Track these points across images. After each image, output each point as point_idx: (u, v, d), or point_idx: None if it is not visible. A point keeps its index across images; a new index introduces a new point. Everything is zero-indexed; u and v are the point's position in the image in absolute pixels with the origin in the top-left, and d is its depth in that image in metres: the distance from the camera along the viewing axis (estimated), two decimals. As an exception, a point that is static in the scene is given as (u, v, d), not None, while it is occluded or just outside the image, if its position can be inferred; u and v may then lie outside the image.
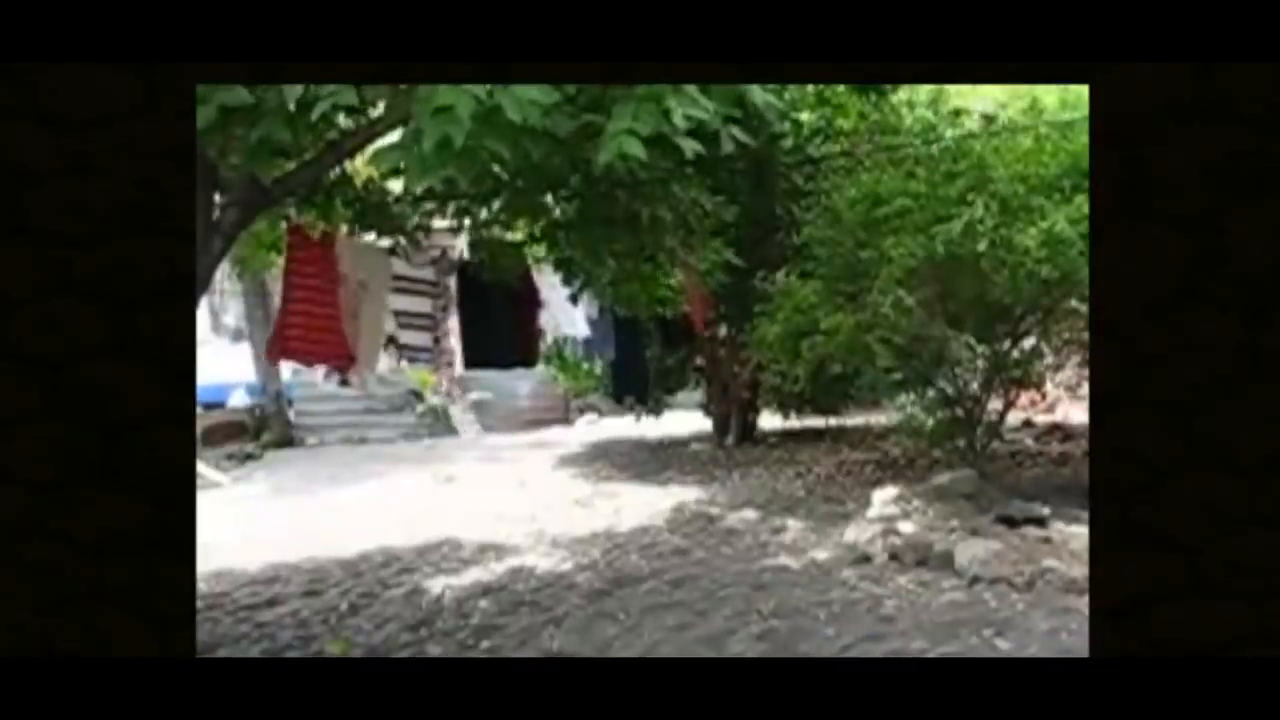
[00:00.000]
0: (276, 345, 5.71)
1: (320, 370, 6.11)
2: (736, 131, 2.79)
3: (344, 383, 6.33)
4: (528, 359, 7.42)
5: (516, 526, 6.49)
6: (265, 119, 2.54)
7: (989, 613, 3.89)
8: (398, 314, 6.09)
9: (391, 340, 6.29)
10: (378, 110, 3.30)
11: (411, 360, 6.46)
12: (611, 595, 4.53)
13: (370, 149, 3.74)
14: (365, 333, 5.93)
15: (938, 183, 5.92)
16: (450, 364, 6.53)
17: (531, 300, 6.96)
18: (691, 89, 2.56)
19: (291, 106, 2.53)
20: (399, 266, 6.03)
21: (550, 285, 6.70)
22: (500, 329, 6.66)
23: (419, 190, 5.07)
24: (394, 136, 2.90)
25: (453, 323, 6.45)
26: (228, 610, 4.93)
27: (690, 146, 2.61)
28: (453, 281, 6.41)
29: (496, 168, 4.53)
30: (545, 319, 7.23)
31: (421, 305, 6.24)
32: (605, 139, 2.54)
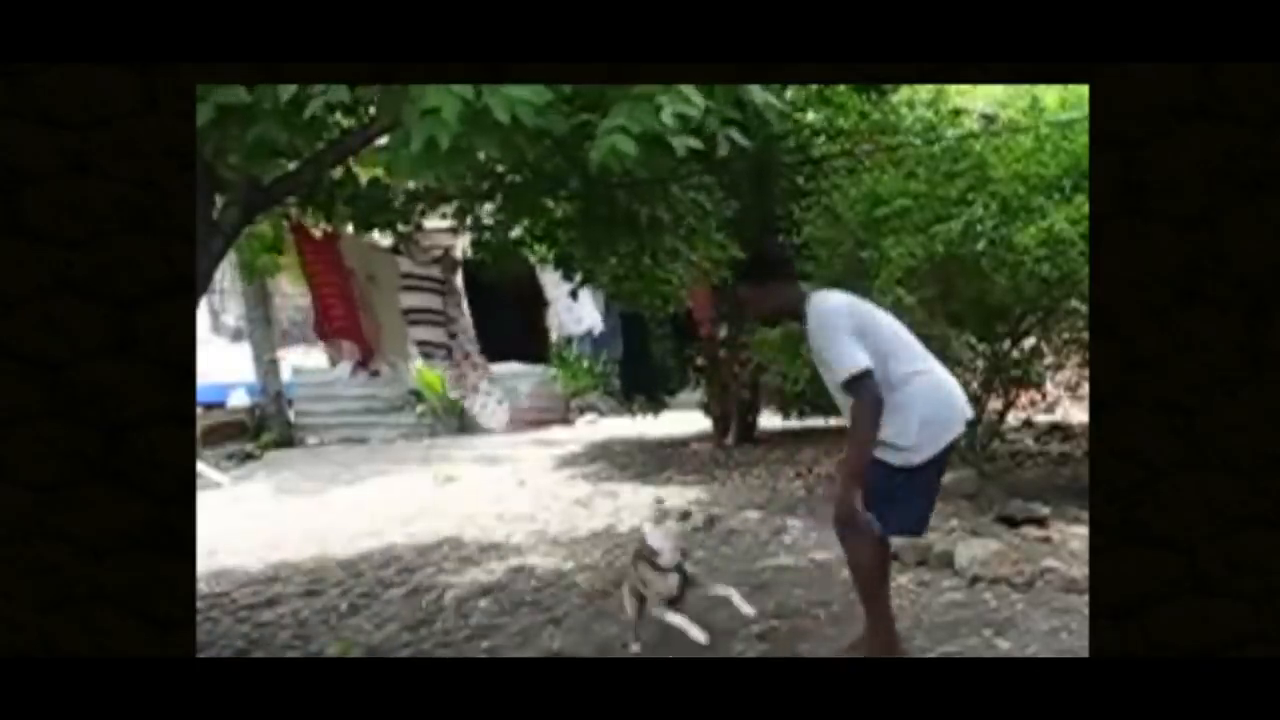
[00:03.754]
0: (323, 326, 5.78)
1: (346, 365, 6.14)
2: (734, 134, 2.79)
3: (374, 373, 6.36)
4: (537, 355, 7.46)
5: (517, 526, 6.49)
6: (262, 118, 2.54)
7: (989, 613, 3.88)
8: (408, 311, 6.10)
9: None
10: (372, 111, 3.30)
11: (427, 356, 6.47)
12: (611, 595, 4.52)
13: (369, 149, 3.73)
14: (385, 324, 5.97)
15: (938, 183, 5.91)
16: (470, 355, 6.52)
17: (537, 298, 6.96)
18: (688, 87, 2.55)
19: (284, 105, 2.52)
20: (405, 264, 6.04)
21: (555, 283, 6.71)
22: (509, 326, 6.68)
23: (412, 188, 5.08)
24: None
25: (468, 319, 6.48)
26: (228, 610, 4.93)
27: (683, 144, 2.60)
28: (459, 279, 6.42)
29: (497, 168, 4.56)
30: (550, 317, 7.23)
31: (432, 302, 6.24)
32: (598, 138, 2.54)
